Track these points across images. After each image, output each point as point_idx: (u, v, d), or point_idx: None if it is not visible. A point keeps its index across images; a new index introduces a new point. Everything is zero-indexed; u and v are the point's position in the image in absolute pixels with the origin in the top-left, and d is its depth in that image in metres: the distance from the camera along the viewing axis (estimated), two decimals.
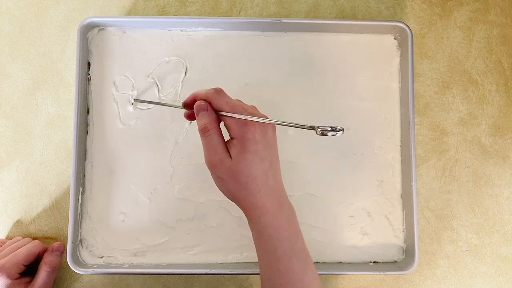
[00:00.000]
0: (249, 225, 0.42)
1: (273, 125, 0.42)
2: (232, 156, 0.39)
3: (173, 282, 0.55)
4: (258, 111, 0.43)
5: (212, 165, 0.40)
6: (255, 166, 0.39)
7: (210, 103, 0.41)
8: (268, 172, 0.40)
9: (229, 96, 0.42)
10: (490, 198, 0.57)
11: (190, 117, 0.45)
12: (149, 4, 0.58)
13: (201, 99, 0.42)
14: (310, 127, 0.37)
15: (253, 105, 0.43)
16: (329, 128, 0.36)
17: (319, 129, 0.37)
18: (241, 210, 0.42)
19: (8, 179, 0.56)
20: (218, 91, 0.41)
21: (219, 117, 0.41)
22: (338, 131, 0.37)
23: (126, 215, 0.54)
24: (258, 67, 0.56)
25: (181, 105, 0.45)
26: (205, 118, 0.40)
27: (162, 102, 0.54)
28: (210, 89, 0.42)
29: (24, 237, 0.54)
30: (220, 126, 0.41)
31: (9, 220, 0.56)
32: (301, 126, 0.38)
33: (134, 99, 0.54)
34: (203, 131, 0.40)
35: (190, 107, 0.43)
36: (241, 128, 0.39)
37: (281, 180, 0.42)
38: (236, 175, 0.39)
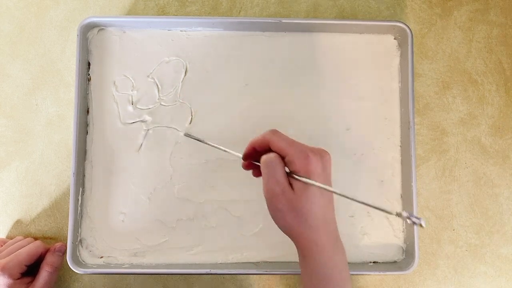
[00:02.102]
0: (301, 261, 0.41)
1: (330, 157, 0.41)
2: (294, 188, 0.38)
3: (173, 282, 0.55)
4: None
5: (272, 196, 0.39)
6: (316, 200, 0.38)
7: (268, 142, 0.40)
8: (327, 208, 0.39)
9: (285, 135, 0.41)
10: (490, 198, 0.57)
11: (248, 167, 0.44)
12: (149, 4, 0.58)
13: (258, 144, 0.41)
14: (397, 213, 0.36)
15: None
16: (414, 217, 0.35)
17: (404, 215, 0.35)
18: (290, 239, 0.41)
19: (8, 179, 0.56)
20: (274, 132, 0.41)
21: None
22: (417, 220, 0.35)
23: (126, 215, 0.54)
24: (258, 67, 0.56)
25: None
26: (271, 153, 0.40)
27: (219, 146, 0.50)
28: (266, 131, 0.41)
29: (24, 237, 0.54)
30: None
31: (9, 220, 0.56)
32: (385, 210, 0.36)
33: (185, 133, 0.54)
34: (266, 161, 0.39)
35: (250, 158, 0.43)
36: (304, 161, 0.38)
37: (335, 219, 0.41)
38: (297, 208, 0.38)
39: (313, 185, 0.38)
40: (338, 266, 0.40)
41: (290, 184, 0.39)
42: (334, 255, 0.40)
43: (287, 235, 0.40)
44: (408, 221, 0.35)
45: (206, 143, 0.51)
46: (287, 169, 0.40)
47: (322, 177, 0.39)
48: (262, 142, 0.41)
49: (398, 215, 0.35)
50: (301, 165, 0.38)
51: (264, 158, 0.40)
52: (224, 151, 0.47)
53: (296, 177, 0.39)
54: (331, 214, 0.40)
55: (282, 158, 0.40)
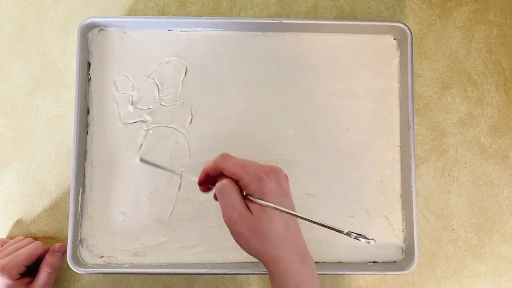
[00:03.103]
0: (271, 279, 0.41)
1: (286, 176, 0.41)
2: (252, 211, 0.39)
3: (173, 282, 0.55)
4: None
5: (232, 222, 0.39)
6: (276, 218, 0.38)
7: (221, 169, 0.41)
8: (288, 223, 0.39)
9: (236, 158, 0.41)
10: (490, 198, 0.57)
11: (206, 190, 0.44)
12: (149, 5, 0.58)
13: (211, 170, 0.41)
14: (341, 231, 0.38)
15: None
16: (361, 237, 0.38)
17: (353, 235, 0.38)
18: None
19: (8, 179, 0.56)
20: (225, 156, 0.41)
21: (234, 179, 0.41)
22: (370, 239, 0.38)
23: (126, 215, 0.54)
24: (258, 67, 0.56)
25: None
26: (223, 179, 0.40)
27: (174, 170, 0.53)
28: (217, 157, 0.41)
29: (25, 237, 0.54)
30: None
31: (9, 220, 0.56)
32: (332, 228, 0.38)
33: (140, 158, 0.54)
34: (220, 188, 0.40)
35: (206, 183, 0.43)
36: (258, 183, 0.39)
37: (300, 230, 0.41)
38: (258, 229, 0.38)
39: (268, 206, 0.38)
40: (306, 280, 0.40)
41: (248, 206, 0.39)
42: (302, 269, 0.40)
43: (253, 256, 0.41)
44: (362, 240, 0.37)
45: (162, 168, 0.52)
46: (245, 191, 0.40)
47: (277, 195, 0.39)
48: (214, 168, 0.41)
49: (348, 234, 0.38)
50: (255, 187, 0.38)
51: (217, 186, 0.40)
52: (180, 175, 0.48)
53: (252, 199, 0.39)
54: (294, 227, 0.40)
55: (237, 181, 0.40)
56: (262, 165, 0.40)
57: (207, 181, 0.43)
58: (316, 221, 0.39)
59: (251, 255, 0.41)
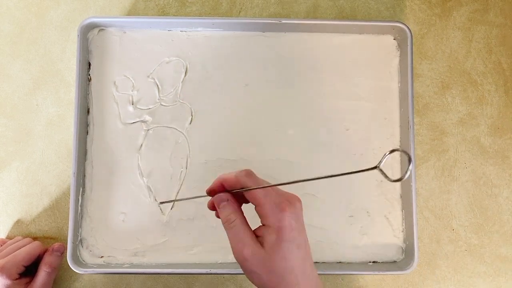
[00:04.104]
0: None
1: (301, 205, 0.38)
2: (266, 246, 0.36)
3: (173, 282, 0.55)
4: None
5: (243, 260, 0.36)
6: (293, 255, 0.36)
7: (241, 186, 0.38)
8: (305, 260, 0.37)
9: (260, 179, 0.38)
10: (489, 198, 0.57)
11: (214, 207, 0.40)
12: (149, 5, 0.58)
13: (229, 183, 0.38)
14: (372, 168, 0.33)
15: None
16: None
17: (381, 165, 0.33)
18: None
19: (8, 179, 0.56)
20: (249, 174, 0.38)
21: (246, 200, 0.38)
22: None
23: (126, 215, 0.54)
24: (258, 67, 0.56)
25: (205, 192, 0.41)
26: (227, 209, 0.38)
27: (185, 197, 0.52)
28: (240, 171, 0.38)
29: (24, 237, 0.54)
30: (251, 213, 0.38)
31: (9, 220, 0.56)
32: (362, 170, 0.34)
33: (160, 202, 0.53)
34: (227, 223, 0.37)
35: (216, 193, 0.40)
36: (277, 215, 0.36)
37: (313, 266, 0.39)
38: (272, 267, 0.36)
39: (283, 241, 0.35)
40: None
41: (259, 240, 0.36)
42: None
43: None
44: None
45: (182, 199, 0.53)
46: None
47: (297, 229, 0.36)
48: (233, 182, 0.38)
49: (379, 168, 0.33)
50: (275, 220, 0.36)
51: (224, 220, 0.38)
52: (198, 197, 0.44)
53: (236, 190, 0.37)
54: (309, 261, 0.38)
55: (249, 202, 0.37)
56: (283, 194, 0.38)
57: (218, 192, 0.40)
58: (344, 173, 0.35)
59: None
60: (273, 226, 0.36)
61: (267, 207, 0.36)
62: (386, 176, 0.32)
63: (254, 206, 0.38)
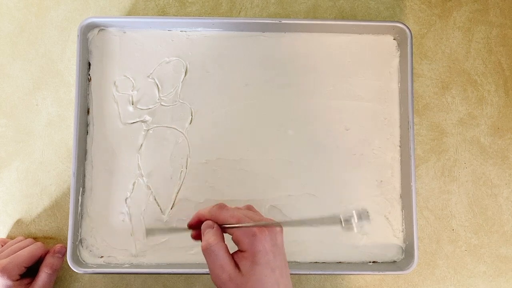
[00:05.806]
0: None
1: (281, 229, 0.40)
2: (242, 271, 0.38)
3: (173, 282, 0.55)
4: (262, 215, 0.43)
5: (221, 283, 0.38)
6: (266, 278, 0.38)
7: (215, 220, 0.41)
8: (279, 282, 0.38)
9: (233, 209, 0.41)
10: (489, 198, 0.57)
11: (197, 237, 0.43)
12: (149, 5, 0.58)
13: (205, 218, 0.41)
14: (333, 219, 0.38)
15: (250, 206, 0.43)
16: (354, 215, 0.37)
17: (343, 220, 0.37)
18: None
19: (8, 179, 0.56)
20: (221, 207, 0.41)
21: (226, 232, 0.40)
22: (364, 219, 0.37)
23: (126, 215, 0.54)
24: (258, 67, 0.56)
25: (186, 226, 0.44)
26: (209, 235, 0.40)
27: (174, 228, 0.53)
28: (213, 206, 0.41)
29: (25, 237, 0.54)
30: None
31: (9, 220, 0.56)
32: (323, 222, 0.38)
33: (146, 230, 0.52)
34: (207, 248, 0.39)
35: (195, 228, 0.43)
36: (251, 240, 0.38)
37: (291, 284, 0.41)
38: None
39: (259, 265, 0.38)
40: None
41: (236, 262, 0.39)
42: None
43: None
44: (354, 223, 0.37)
45: (168, 231, 0.53)
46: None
47: (272, 252, 0.38)
48: (208, 217, 0.41)
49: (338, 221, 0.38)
50: (248, 244, 0.38)
51: (204, 246, 0.39)
52: (181, 230, 0.46)
53: (226, 226, 0.39)
54: (284, 283, 0.39)
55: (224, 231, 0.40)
56: (257, 219, 0.40)
57: (198, 226, 0.42)
58: (305, 220, 0.39)
59: None
60: (248, 251, 0.38)
61: (240, 233, 0.39)
62: (348, 229, 0.37)
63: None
